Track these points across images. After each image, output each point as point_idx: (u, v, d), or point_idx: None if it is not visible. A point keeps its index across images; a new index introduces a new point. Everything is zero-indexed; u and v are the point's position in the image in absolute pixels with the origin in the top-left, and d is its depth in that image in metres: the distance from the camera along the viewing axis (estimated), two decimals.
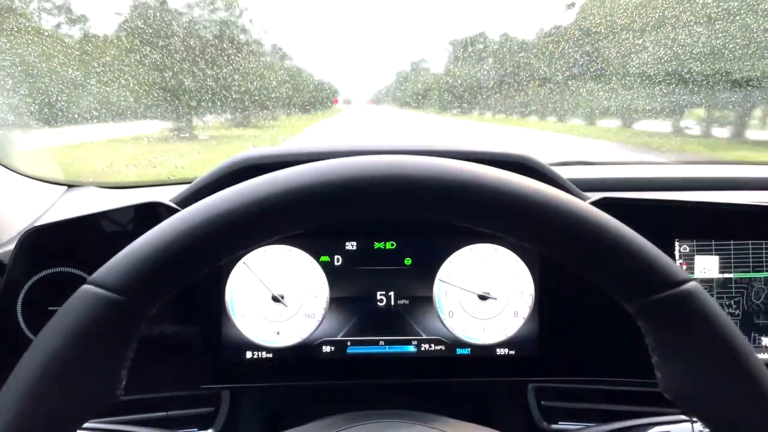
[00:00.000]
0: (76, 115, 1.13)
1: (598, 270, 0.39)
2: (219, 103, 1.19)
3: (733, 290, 0.86)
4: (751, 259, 0.85)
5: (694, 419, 0.70)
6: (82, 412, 0.37)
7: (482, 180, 0.39)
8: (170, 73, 1.12)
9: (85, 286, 0.37)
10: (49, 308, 0.79)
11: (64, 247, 0.83)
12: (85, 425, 0.67)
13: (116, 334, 0.37)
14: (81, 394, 0.36)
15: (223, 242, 0.38)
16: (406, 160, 0.40)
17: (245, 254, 0.84)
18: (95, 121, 1.14)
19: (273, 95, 1.27)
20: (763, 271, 0.86)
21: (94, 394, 0.37)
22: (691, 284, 0.37)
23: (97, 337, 0.36)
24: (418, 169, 0.39)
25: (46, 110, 1.11)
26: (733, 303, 0.86)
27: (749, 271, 0.86)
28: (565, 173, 0.87)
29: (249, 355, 0.85)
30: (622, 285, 0.38)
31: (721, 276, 0.86)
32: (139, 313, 0.37)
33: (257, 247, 0.84)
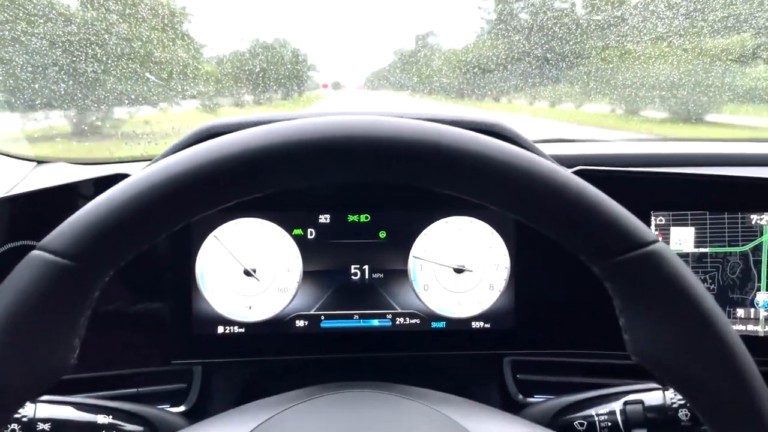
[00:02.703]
0: (43, 88, 1.10)
1: (564, 230, 0.38)
2: (191, 76, 1.16)
3: (709, 265, 0.86)
4: (726, 234, 0.85)
5: (666, 388, 0.70)
6: (35, 382, 0.35)
7: (442, 137, 0.37)
8: (139, 43, 1.09)
9: (34, 252, 0.35)
10: None
11: (29, 219, 0.81)
12: (55, 400, 0.66)
13: (67, 301, 0.35)
14: (32, 364, 0.35)
15: (177, 205, 0.37)
16: (368, 120, 0.38)
17: (216, 227, 0.82)
18: (64, 93, 1.11)
19: (246, 67, 1.23)
20: (738, 245, 0.86)
21: (47, 364, 0.35)
22: (657, 245, 0.36)
23: (47, 304, 0.35)
24: (379, 128, 0.38)
25: (10, 81, 1.07)
26: (708, 278, 0.86)
27: (725, 246, 0.86)
28: (544, 150, 0.86)
29: (221, 330, 0.84)
30: (587, 246, 0.37)
31: (696, 251, 0.86)
32: (91, 279, 0.36)
33: (228, 218, 0.82)
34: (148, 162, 0.97)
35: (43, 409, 0.63)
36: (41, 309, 0.34)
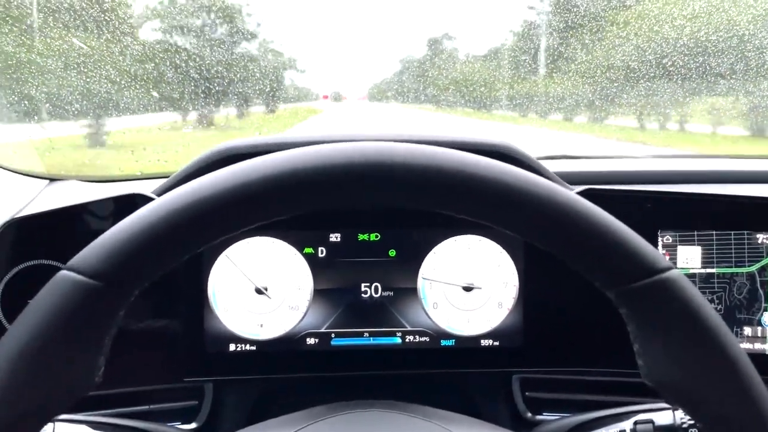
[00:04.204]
0: (57, 108, 1.12)
1: (580, 257, 0.38)
2: (203, 95, 1.18)
3: (716, 285, 0.87)
4: (733, 254, 0.86)
5: (676, 407, 0.71)
6: (60, 399, 0.36)
7: (462, 165, 0.38)
8: (152, 65, 1.11)
9: (63, 272, 0.36)
10: (29, 301, 0.78)
11: (44, 239, 0.82)
12: (68, 418, 0.66)
13: (94, 320, 0.36)
14: (59, 381, 0.36)
15: (203, 228, 0.38)
16: (391, 147, 0.39)
17: (227, 246, 0.83)
18: (77, 113, 1.13)
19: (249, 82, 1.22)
20: (744, 266, 0.86)
21: (72, 381, 0.36)
22: (672, 272, 0.37)
23: (75, 323, 0.36)
24: (398, 154, 0.39)
25: (25, 102, 1.09)
26: (715, 298, 0.87)
27: (731, 266, 0.86)
28: (549, 167, 0.87)
29: (232, 347, 0.84)
30: (603, 272, 0.38)
31: (703, 271, 0.86)
32: (118, 299, 0.37)
33: (240, 237, 0.83)
34: (162, 178, 0.98)
35: (61, 428, 0.63)
36: (69, 328, 0.36)
